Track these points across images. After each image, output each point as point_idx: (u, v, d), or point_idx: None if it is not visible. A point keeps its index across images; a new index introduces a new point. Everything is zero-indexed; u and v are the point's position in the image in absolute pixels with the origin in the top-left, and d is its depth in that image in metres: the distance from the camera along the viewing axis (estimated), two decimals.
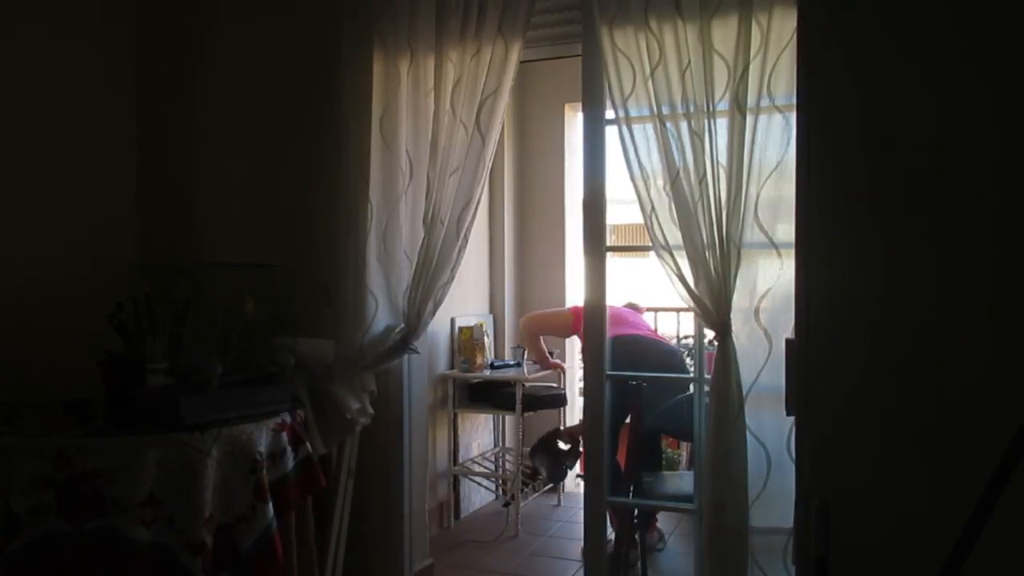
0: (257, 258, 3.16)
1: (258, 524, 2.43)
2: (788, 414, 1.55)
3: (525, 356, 4.66)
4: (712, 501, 2.46)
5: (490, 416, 4.95)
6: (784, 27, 2.35)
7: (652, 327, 4.66)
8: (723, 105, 2.43)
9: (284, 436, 2.62)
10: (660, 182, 2.53)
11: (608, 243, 2.78)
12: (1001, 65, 1.29)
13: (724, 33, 2.42)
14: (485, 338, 4.67)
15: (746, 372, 2.44)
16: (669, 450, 4.92)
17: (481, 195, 2.85)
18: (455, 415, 4.58)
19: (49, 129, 3.08)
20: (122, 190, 3.38)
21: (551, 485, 4.83)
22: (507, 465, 4.98)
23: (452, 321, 4.59)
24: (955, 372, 1.31)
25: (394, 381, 3.13)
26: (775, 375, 2.35)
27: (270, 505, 2.47)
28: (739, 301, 2.45)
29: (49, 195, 3.06)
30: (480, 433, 4.90)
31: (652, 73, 2.50)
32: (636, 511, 3.51)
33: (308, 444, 2.74)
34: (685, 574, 3.82)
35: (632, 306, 4.43)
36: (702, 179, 2.44)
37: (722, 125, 2.44)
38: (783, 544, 2.37)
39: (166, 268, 3.18)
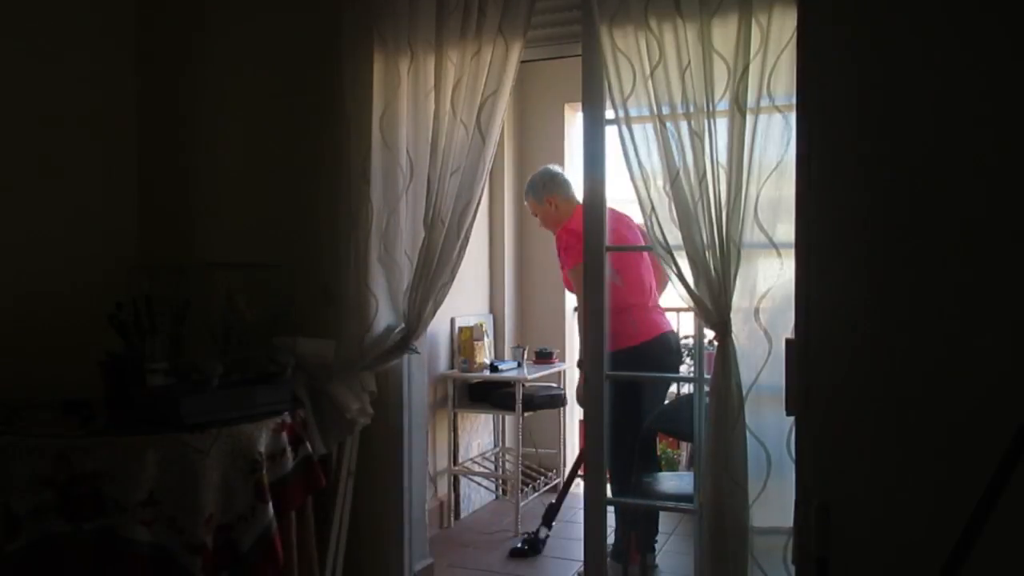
0: (257, 258, 3.16)
1: (258, 524, 2.44)
2: (788, 414, 1.55)
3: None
4: (712, 501, 2.46)
5: (490, 416, 4.95)
6: (784, 27, 2.35)
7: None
8: (723, 105, 2.43)
9: (284, 436, 2.63)
10: (660, 182, 2.52)
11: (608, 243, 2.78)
12: (1001, 67, 1.29)
13: (724, 33, 2.42)
14: (485, 338, 4.67)
15: (746, 372, 2.44)
16: (669, 450, 4.92)
17: (482, 195, 2.85)
18: (455, 415, 4.58)
19: (49, 130, 3.07)
20: (122, 190, 3.37)
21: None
22: (507, 465, 4.98)
23: (452, 321, 4.60)
24: (955, 372, 1.31)
25: (394, 381, 3.13)
26: (775, 375, 2.35)
27: (270, 505, 2.47)
28: (739, 301, 2.45)
29: (49, 195, 3.06)
30: (480, 433, 4.90)
31: (652, 73, 2.50)
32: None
33: (308, 444, 2.74)
34: (685, 574, 3.82)
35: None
36: (702, 179, 2.44)
37: (722, 125, 2.44)
38: (783, 544, 2.37)
39: (166, 268, 3.18)
